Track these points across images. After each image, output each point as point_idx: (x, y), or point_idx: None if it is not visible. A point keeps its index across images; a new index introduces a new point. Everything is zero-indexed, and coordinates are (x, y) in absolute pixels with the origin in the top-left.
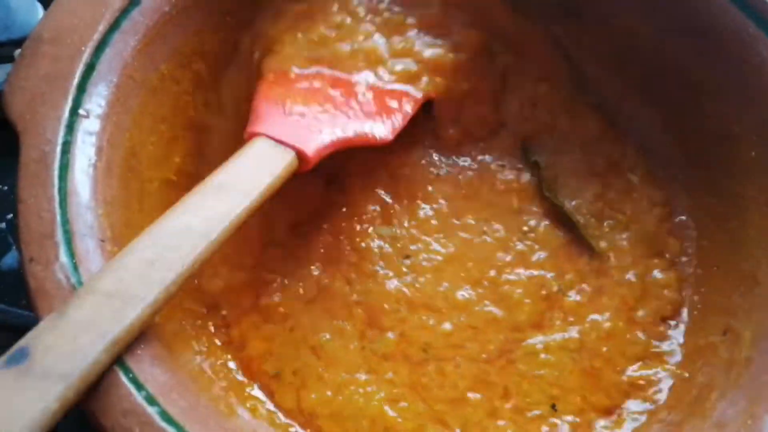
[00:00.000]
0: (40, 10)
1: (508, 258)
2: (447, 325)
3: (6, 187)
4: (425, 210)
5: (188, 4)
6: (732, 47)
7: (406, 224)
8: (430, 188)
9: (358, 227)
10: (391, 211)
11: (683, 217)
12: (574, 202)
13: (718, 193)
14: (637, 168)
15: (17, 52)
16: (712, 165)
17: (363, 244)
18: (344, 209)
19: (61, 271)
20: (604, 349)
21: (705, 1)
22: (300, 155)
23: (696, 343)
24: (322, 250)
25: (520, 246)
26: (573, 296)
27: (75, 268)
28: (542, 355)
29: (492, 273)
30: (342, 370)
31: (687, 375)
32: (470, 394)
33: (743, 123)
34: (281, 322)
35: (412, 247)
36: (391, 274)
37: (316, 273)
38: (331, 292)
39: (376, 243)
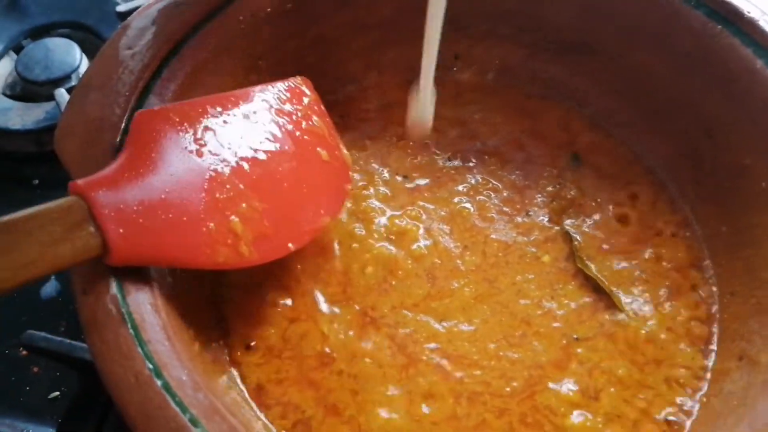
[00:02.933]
0: (77, 51)
1: (539, 313)
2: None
3: None
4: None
5: (224, 49)
6: (743, 83)
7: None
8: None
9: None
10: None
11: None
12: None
13: (730, 223)
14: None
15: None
16: (725, 196)
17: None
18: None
19: (112, 302)
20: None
21: (715, 39)
22: (107, 245)
23: (713, 369)
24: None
25: (549, 305)
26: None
27: (124, 299)
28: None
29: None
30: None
31: (704, 400)
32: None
33: (754, 155)
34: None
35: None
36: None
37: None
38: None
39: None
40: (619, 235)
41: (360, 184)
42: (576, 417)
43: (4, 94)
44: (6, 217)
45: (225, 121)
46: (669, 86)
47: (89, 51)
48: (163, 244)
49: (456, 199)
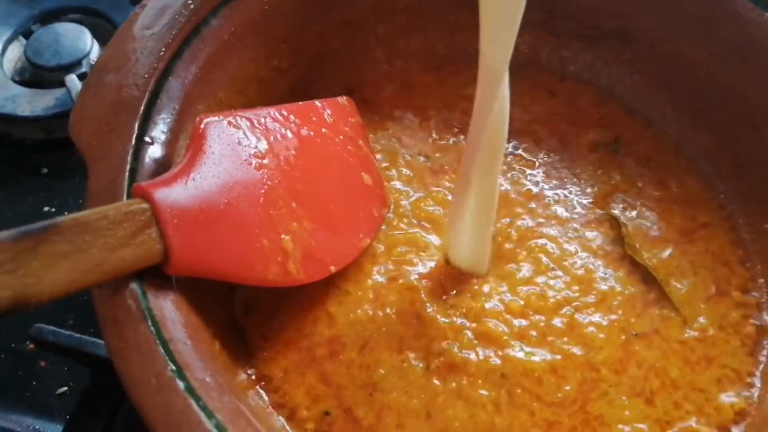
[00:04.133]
0: (88, 37)
1: (590, 299)
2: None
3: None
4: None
5: (246, 31)
6: None
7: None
8: None
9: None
10: None
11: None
12: (652, 257)
13: None
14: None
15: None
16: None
17: None
18: None
19: (131, 297)
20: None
21: (762, 27)
22: (168, 253)
23: (764, 371)
24: None
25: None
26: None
27: (144, 294)
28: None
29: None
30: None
31: (758, 401)
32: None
33: None
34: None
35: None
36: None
37: None
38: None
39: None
40: (664, 224)
41: (383, 165)
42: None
43: (13, 80)
44: (79, 214)
45: (281, 136)
46: (712, 75)
47: (100, 37)
48: (219, 257)
49: None
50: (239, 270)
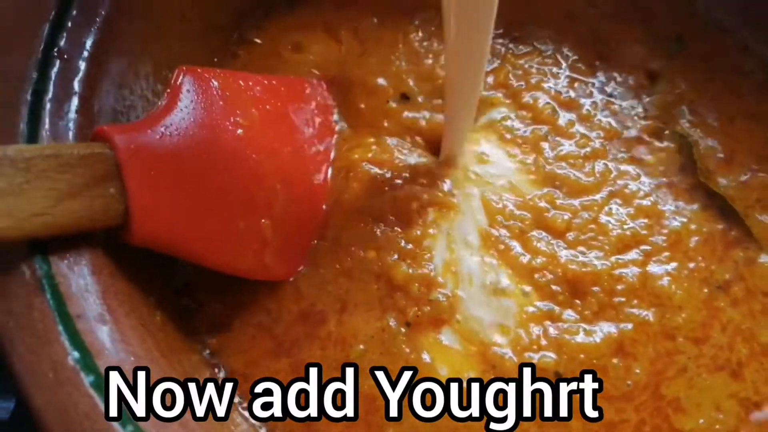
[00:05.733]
0: None
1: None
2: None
3: None
4: None
5: None
6: None
7: None
8: None
9: None
10: None
11: None
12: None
13: None
14: None
15: None
16: None
17: None
18: None
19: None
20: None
21: None
22: (129, 215)
23: None
24: None
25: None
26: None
27: (44, 256)
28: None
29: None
30: None
31: None
32: None
33: None
34: None
35: None
36: None
37: None
38: None
39: None
40: (738, 145)
41: None
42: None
43: None
44: (17, 147)
45: (269, 108)
46: None
47: None
48: (187, 230)
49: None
50: (208, 251)
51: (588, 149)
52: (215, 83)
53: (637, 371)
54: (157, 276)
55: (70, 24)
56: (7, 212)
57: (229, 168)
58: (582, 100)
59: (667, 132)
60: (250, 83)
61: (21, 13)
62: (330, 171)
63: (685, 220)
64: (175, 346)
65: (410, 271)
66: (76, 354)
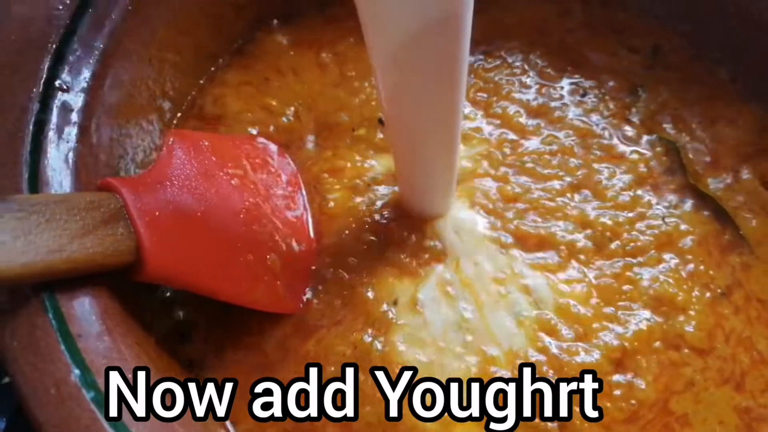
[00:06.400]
0: None
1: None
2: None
3: None
4: None
5: None
6: None
7: None
8: None
9: None
10: None
11: None
12: (715, 184)
13: None
14: None
15: None
16: None
17: None
18: None
19: None
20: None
21: None
22: (140, 252)
23: None
24: None
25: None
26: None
27: None
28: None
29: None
30: None
31: None
32: None
33: None
34: None
35: None
36: None
37: None
38: None
39: None
40: (721, 147)
41: None
42: None
43: None
44: (33, 196)
45: (254, 166)
46: None
47: None
48: (199, 266)
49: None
50: (222, 283)
51: (555, 146)
52: (206, 143)
53: (642, 386)
54: (151, 298)
55: (70, 57)
56: (24, 250)
57: (230, 210)
58: (552, 104)
59: (654, 137)
60: (237, 142)
61: (22, 48)
62: (305, 199)
63: (679, 216)
64: (170, 364)
65: None
66: (77, 371)
